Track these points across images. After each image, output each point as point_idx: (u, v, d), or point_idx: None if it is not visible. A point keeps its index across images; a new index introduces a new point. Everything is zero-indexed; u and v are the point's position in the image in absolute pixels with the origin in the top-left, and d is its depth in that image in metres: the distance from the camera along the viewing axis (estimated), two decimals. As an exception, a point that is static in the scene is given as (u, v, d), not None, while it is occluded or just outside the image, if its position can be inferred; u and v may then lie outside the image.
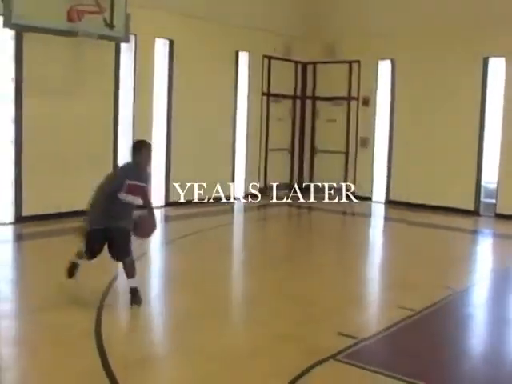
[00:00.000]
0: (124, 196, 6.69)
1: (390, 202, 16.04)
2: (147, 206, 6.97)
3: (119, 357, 5.54)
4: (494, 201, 14.68)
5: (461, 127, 14.89)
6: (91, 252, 6.89)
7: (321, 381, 5.27)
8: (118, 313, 6.95)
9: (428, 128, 15.29)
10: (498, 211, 14.50)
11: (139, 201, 6.82)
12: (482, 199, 14.87)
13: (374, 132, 16.49)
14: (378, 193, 16.46)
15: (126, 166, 7.06)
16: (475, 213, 14.78)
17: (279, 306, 7.34)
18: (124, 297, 7.04)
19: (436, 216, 14.29)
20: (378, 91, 16.35)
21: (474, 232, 13.61)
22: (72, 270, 7.09)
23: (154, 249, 10.27)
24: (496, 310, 7.81)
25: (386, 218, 15.11)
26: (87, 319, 6.37)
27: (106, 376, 5.10)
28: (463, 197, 14.86)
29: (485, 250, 12.17)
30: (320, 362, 5.50)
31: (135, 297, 6.83)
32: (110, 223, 6.72)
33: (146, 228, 7.00)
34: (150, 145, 7.03)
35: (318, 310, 7.14)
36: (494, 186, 14.73)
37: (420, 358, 5.84)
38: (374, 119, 16.44)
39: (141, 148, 6.87)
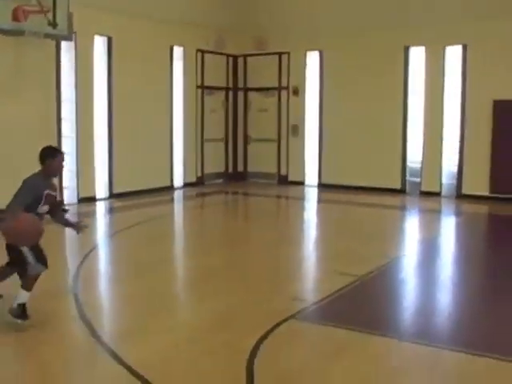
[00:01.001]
0: (42, 208, 6.19)
1: (322, 186, 16.97)
2: (55, 213, 6.50)
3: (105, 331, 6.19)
4: (418, 179, 15.83)
5: (386, 112, 15.94)
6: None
7: (286, 337, 6.01)
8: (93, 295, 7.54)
9: (355, 114, 16.25)
10: (423, 189, 15.69)
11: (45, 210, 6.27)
12: (408, 178, 16.01)
13: (304, 120, 17.36)
14: (311, 177, 17.36)
15: (38, 176, 6.24)
16: (402, 191, 15.91)
17: (232, 281, 7.93)
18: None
19: (366, 196, 15.27)
20: (307, 81, 17.23)
21: (402, 208, 14.75)
22: None
23: (101, 240, 10.73)
24: (426, 272, 8.77)
25: (320, 200, 16.02)
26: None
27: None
28: (390, 177, 15.96)
29: (413, 224, 13.28)
30: (282, 322, 6.23)
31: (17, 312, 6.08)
32: None
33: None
34: (62, 152, 6.57)
35: (271, 282, 7.91)
36: (418, 165, 15.88)
37: (366, 312, 6.73)
38: (304, 108, 17.33)
39: (56, 155, 6.34)
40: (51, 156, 6.26)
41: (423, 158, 15.75)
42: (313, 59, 17.07)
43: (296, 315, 6.48)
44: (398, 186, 15.96)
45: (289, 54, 17.24)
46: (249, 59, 18.00)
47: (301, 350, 5.73)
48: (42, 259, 6.11)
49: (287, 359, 5.43)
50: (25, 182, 6.11)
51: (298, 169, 17.51)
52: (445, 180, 15.56)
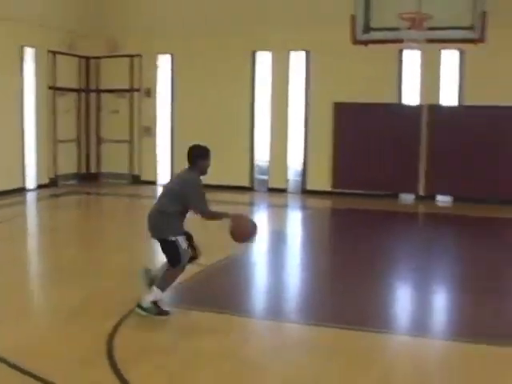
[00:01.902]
0: None
1: (175, 185, 17.39)
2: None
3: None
4: (266, 177, 16.73)
5: (234, 114, 16.68)
6: None
7: (140, 320, 6.43)
8: None
9: (206, 115, 16.85)
10: (270, 186, 16.62)
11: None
12: (256, 176, 16.87)
13: (156, 121, 17.78)
14: (163, 177, 17.75)
15: (196, 174, 6.59)
16: (250, 188, 16.75)
17: (87, 275, 8.27)
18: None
19: (217, 193, 15.86)
20: (159, 83, 17.66)
21: (252, 204, 15.56)
22: None
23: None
24: (274, 259, 9.56)
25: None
26: None
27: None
28: (240, 175, 16.74)
29: (262, 217, 14.08)
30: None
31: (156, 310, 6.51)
32: None
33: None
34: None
35: (125, 273, 8.25)
36: (265, 164, 16.77)
37: (215, 295, 7.38)
38: (156, 109, 17.74)
39: (209, 155, 6.60)
40: (205, 156, 6.55)
41: (270, 156, 16.66)
42: (164, 62, 17.52)
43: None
44: (246, 183, 16.79)
45: (141, 56, 17.57)
46: (101, 61, 18.14)
47: (154, 331, 6.24)
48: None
49: (143, 339, 5.95)
50: (194, 180, 6.43)
51: (150, 169, 17.88)
52: (291, 177, 16.56)
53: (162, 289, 6.46)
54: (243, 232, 6.60)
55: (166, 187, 6.97)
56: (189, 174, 6.59)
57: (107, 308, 6.78)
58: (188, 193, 6.43)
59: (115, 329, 6.06)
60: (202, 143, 6.80)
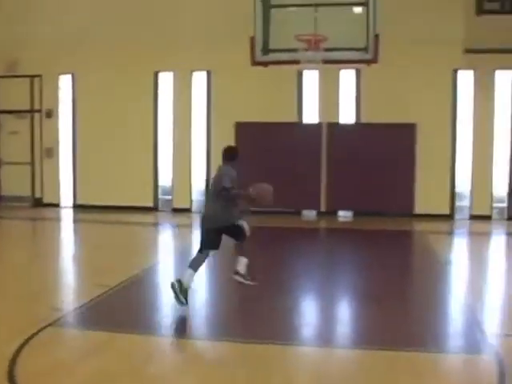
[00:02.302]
0: None
1: (78, 206, 17.25)
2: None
3: None
4: (170, 197, 16.77)
5: (138, 135, 16.69)
6: None
7: (44, 342, 6.40)
8: None
9: (109, 136, 16.78)
10: (174, 206, 16.67)
11: None
12: (160, 196, 16.88)
13: (58, 142, 17.53)
14: (66, 198, 17.56)
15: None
16: (155, 209, 16.75)
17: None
18: None
19: (122, 214, 15.85)
20: (61, 104, 17.42)
21: (155, 224, 15.58)
22: None
23: None
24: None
25: (76, 220, 16.29)
26: None
27: None
28: (144, 196, 16.72)
29: (165, 237, 14.14)
30: (42, 329, 6.65)
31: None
32: None
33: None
34: None
35: (31, 295, 8.21)
36: (169, 184, 16.81)
37: (117, 315, 7.38)
38: (58, 130, 17.49)
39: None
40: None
41: (174, 176, 16.73)
42: (66, 82, 17.33)
43: (54, 323, 6.91)
44: (150, 203, 16.77)
45: (41, 76, 17.32)
46: (0, 81, 17.77)
47: (57, 352, 6.17)
48: None
49: (45, 361, 5.88)
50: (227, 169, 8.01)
51: (53, 191, 17.58)
52: (195, 196, 16.65)
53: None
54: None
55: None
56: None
57: (10, 330, 6.68)
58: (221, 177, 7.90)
59: (18, 351, 5.98)
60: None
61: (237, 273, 8.00)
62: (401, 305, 8.02)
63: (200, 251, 7.92)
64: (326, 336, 6.76)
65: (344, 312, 8.05)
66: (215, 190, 7.92)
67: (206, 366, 5.88)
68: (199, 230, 8.08)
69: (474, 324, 7.00)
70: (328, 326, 7.26)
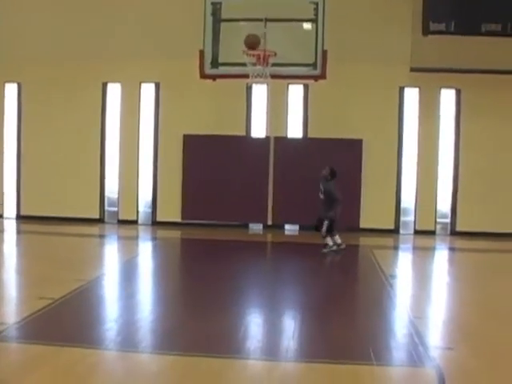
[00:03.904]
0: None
1: (21, 217, 16.94)
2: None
3: None
4: (116, 209, 16.63)
5: (84, 145, 16.54)
6: None
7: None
8: None
9: (55, 146, 16.57)
10: (120, 218, 16.58)
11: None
12: (106, 208, 16.71)
13: (2, 151, 17.12)
14: (9, 209, 17.22)
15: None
16: (101, 220, 16.57)
17: None
18: None
19: (66, 226, 15.63)
20: (6, 113, 17.06)
21: (101, 236, 15.44)
22: None
23: None
24: (119, 288, 9.59)
25: (19, 231, 15.99)
26: None
27: None
28: (89, 207, 16.54)
29: (111, 249, 14.02)
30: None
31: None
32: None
33: None
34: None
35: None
36: (115, 195, 16.66)
37: (59, 328, 7.26)
38: (2, 139, 17.12)
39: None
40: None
41: (120, 187, 16.59)
42: (11, 91, 17.02)
43: (-7, 338, 6.77)
44: (96, 215, 16.59)
45: (-15, 84, 17.02)
46: None
47: (-1, 367, 6.06)
48: None
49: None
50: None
51: (-3, 201, 17.25)
52: (141, 208, 16.55)
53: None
54: None
55: None
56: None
57: None
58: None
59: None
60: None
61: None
62: (344, 318, 8.10)
63: None
64: (269, 349, 6.77)
65: (288, 325, 8.04)
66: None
67: (149, 380, 5.82)
68: None
69: (416, 337, 7.10)
70: (271, 338, 7.26)
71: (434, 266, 12.96)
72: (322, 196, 12.93)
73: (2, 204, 17.09)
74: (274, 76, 12.08)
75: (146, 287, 10.14)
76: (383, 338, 7.24)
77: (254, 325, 8.07)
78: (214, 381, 5.76)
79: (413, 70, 15.10)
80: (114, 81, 16.52)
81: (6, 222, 16.79)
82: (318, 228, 12.96)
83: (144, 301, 9.04)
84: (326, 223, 12.76)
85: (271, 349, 6.80)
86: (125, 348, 6.61)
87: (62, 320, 7.70)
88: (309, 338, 7.22)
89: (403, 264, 13.35)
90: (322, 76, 12.35)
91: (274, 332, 7.59)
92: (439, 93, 15.92)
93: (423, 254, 14.08)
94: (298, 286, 10.31)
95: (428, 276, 11.61)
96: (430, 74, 15.24)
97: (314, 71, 12.24)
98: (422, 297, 9.55)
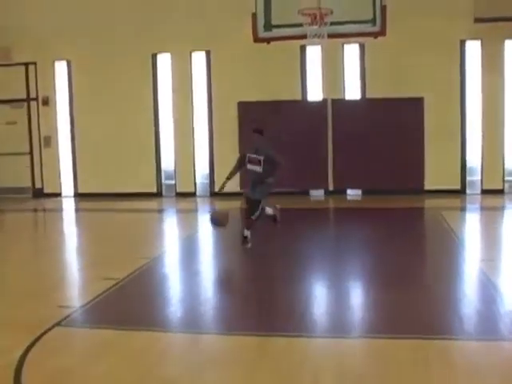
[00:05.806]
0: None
1: (79, 195, 16.88)
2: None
3: None
4: (173, 182, 16.39)
5: (138, 119, 16.30)
6: None
7: (53, 343, 6.04)
8: None
9: (109, 122, 16.39)
10: (178, 190, 16.28)
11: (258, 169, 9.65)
12: (163, 181, 16.50)
13: (56, 130, 17.10)
14: (67, 188, 17.18)
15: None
16: (158, 194, 16.36)
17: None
18: None
19: (125, 202, 15.49)
20: (58, 91, 16.97)
21: (160, 211, 15.23)
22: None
23: None
24: (185, 267, 9.27)
25: (78, 210, 15.94)
26: None
27: None
28: (146, 181, 16.34)
29: (171, 223, 13.77)
30: (49, 329, 6.29)
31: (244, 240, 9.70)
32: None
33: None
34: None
35: (35, 292, 7.80)
36: (172, 169, 16.48)
37: (128, 310, 6.98)
38: (56, 118, 17.06)
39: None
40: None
41: (176, 160, 16.31)
42: (62, 68, 16.86)
43: (62, 322, 6.53)
44: (154, 189, 16.38)
45: (36, 64, 16.86)
46: (-7, 70, 17.34)
47: (67, 353, 5.81)
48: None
49: (54, 364, 5.50)
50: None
51: (53, 180, 17.21)
52: (199, 180, 16.26)
53: None
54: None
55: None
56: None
57: (16, 329, 6.31)
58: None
59: (25, 353, 5.61)
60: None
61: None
62: (421, 288, 7.62)
63: None
64: (344, 326, 6.36)
65: (361, 299, 7.62)
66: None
67: (225, 365, 5.50)
68: None
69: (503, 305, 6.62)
70: (346, 315, 6.84)
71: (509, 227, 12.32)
72: (259, 169, 9.71)
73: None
74: (331, 35, 11.55)
75: (208, 264, 9.81)
76: (467, 308, 6.76)
77: (326, 300, 7.65)
78: (293, 361, 5.39)
79: (477, 20, 14.27)
80: (163, 51, 16.16)
81: (64, 200, 16.74)
82: (253, 212, 9.81)
83: (208, 278, 8.72)
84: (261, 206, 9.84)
85: (347, 325, 6.39)
86: (195, 330, 6.29)
87: (129, 302, 7.44)
88: (386, 311, 6.76)
89: (473, 225, 12.74)
90: (382, 32, 11.79)
91: (347, 307, 7.17)
92: (503, 44, 15.11)
93: (492, 215, 13.42)
94: (367, 255, 9.80)
95: (506, 239, 10.96)
96: (492, 26, 14.41)
97: (374, 27, 11.68)
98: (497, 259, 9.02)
